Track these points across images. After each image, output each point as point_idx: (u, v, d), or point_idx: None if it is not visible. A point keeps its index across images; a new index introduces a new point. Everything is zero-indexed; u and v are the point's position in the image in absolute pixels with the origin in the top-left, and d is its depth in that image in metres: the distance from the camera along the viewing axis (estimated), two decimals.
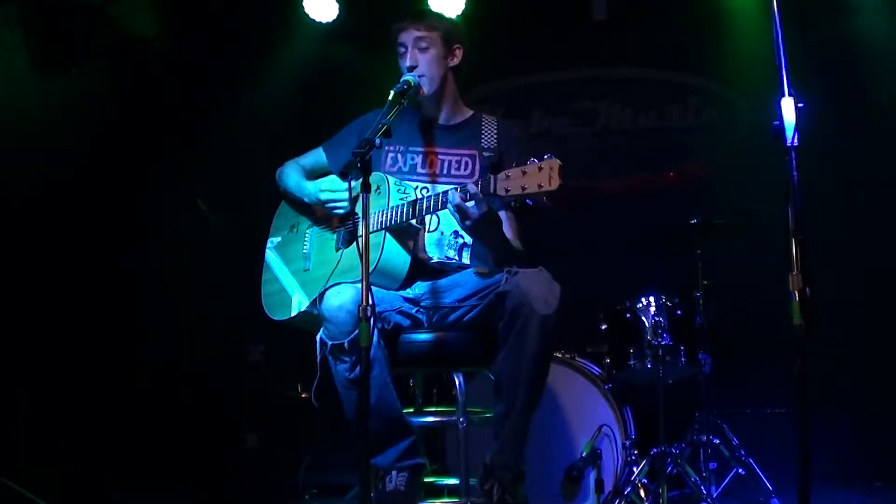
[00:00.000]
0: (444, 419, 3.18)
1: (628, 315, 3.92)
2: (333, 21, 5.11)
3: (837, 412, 4.13)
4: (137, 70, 5.02)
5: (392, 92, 2.74)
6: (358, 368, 2.65)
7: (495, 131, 3.08)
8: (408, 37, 2.98)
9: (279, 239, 3.27)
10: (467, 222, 2.60)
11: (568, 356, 3.92)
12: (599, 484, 3.60)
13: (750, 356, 4.47)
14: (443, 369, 3.20)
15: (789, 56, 2.22)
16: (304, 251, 3.11)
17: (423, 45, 2.98)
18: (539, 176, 2.40)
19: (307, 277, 3.05)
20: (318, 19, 5.09)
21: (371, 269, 2.66)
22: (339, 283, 2.75)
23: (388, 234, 2.80)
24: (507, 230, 2.91)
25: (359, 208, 2.43)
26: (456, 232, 2.96)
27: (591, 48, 5.42)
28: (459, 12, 4.84)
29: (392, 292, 2.88)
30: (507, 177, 2.47)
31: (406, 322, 2.90)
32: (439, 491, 3.28)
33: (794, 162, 2.15)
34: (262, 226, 3.37)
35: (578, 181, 5.18)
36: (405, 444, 2.78)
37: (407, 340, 2.89)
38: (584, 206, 5.13)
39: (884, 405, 4.35)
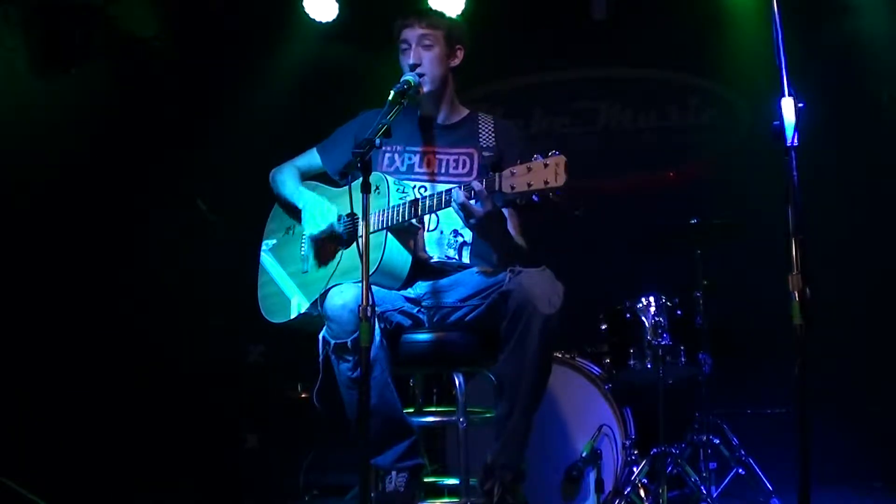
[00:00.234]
0: (444, 419, 3.18)
1: (628, 315, 3.92)
2: (333, 21, 5.11)
3: (837, 412, 4.13)
4: (137, 70, 5.02)
5: (392, 92, 2.73)
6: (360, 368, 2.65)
7: (493, 129, 3.08)
8: (412, 34, 2.98)
9: (274, 241, 3.25)
10: (472, 220, 2.60)
11: (568, 356, 3.92)
12: (599, 484, 3.60)
13: (750, 356, 4.47)
14: (443, 369, 3.19)
15: (789, 56, 2.22)
16: (302, 253, 3.10)
17: (428, 42, 2.98)
18: (545, 172, 2.40)
19: (306, 279, 3.04)
20: (318, 19, 5.09)
21: (373, 270, 2.66)
22: (341, 283, 2.75)
23: (389, 234, 2.80)
24: (510, 227, 2.91)
25: (358, 209, 2.43)
26: (455, 231, 2.96)
27: (591, 48, 5.42)
28: (459, 12, 4.83)
29: (393, 292, 2.88)
30: (513, 174, 2.47)
31: (407, 322, 2.90)
32: (439, 491, 3.28)
33: (794, 162, 2.15)
34: (263, 226, 3.37)
35: (578, 181, 5.18)
36: (405, 444, 2.78)
37: (407, 340, 2.89)
38: (584, 207, 5.14)
39: (884, 405, 4.35)
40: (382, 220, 2.78)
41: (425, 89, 2.95)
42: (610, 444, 3.67)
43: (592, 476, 3.63)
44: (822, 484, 3.46)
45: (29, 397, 4.19)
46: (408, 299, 2.92)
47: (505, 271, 2.72)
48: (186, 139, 5.09)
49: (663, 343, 3.78)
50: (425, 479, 2.90)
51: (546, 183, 2.39)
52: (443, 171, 3.02)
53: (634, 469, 3.69)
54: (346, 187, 2.47)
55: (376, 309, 2.70)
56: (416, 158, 3.05)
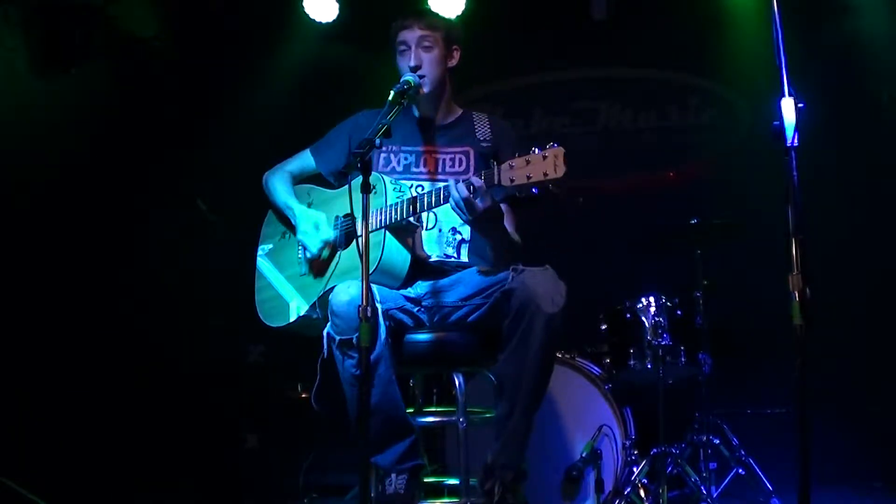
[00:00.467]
0: (444, 419, 3.18)
1: (628, 315, 3.92)
2: (333, 21, 5.11)
3: (837, 412, 4.13)
4: (137, 70, 5.02)
5: (392, 92, 2.73)
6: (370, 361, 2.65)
7: (488, 127, 3.09)
8: (411, 35, 2.98)
9: (270, 246, 3.25)
10: (471, 216, 2.59)
11: (568, 356, 3.92)
12: (599, 484, 3.60)
13: (750, 356, 4.47)
14: (443, 370, 3.19)
15: (789, 56, 2.22)
16: (299, 256, 3.09)
17: (427, 43, 2.98)
18: (544, 164, 2.40)
19: (304, 282, 3.03)
20: (318, 19, 5.09)
21: (372, 269, 2.66)
22: (346, 281, 2.74)
23: (387, 233, 2.80)
24: (506, 223, 2.91)
25: (357, 209, 2.43)
26: (454, 229, 2.96)
27: (591, 48, 5.42)
28: (459, 12, 4.84)
29: (394, 291, 2.88)
30: (511, 167, 2.47)
31: (409, 321, 2.90)
32: (439, 491, 3.28)
33: (794, 162, 2.16)
34: (262, 225, 3.37)
35: (578, 181, 5.18)
36: (406, 444, 2.78)
37: (407, 341, 2.88)
38: (584, 206, 5.14)
39: (884, 405, 4.35)
40: (380, 220, 2.78)
41: (425, 90, 2.95)
42: (610, 444, 3.67)
43: (592, 476, 3.63)
44: (822, 484, 3.46)
45: (29, 397, 4.19)
46: (408, 299, 2.92)
47: (506, 270, 2.72)
48: (186, 139, 5.09)
49: (663, 343, 3.78)
50: (425, 480, 2.90)
51: (545, 175, 2.39)
52: (441, 170, 3.02)
53: (634, 469, 3.69)
54: (343, 188, 2.47)
55: (381, 307, 2.71)
56: (413, 158, 3.05)
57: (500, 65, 5.48)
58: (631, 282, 4.02)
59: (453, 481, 3.24)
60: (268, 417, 4.84)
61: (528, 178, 2.42)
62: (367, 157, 2.43)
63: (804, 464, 2.05)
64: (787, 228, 2.11)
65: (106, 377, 4.59)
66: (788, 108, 2.18)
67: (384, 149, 3.03)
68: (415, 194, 2.82)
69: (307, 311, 2.93)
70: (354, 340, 2.63)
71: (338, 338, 2.67)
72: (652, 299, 3.88)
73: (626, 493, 3.63)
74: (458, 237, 2.96)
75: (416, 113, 3.12)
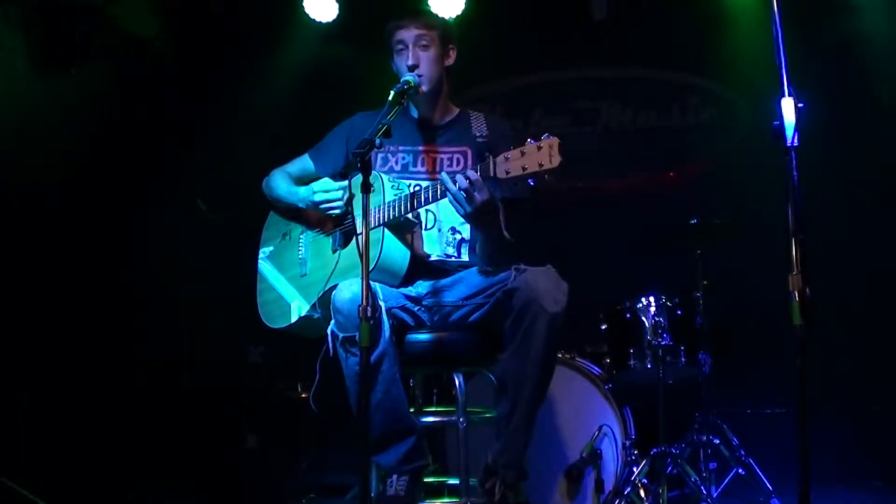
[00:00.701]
0: (444, 419, 3.18)
1: (628, 315, 3.92)
2: (333, 21, 5.11)
3: (837, 412, 4.13)
4: (137, 70, 5.02)
5: (392, 92, 2.73)
6: (369, 362, 2.65)
7: (484, 124, 3.09)
8: (408, 35, 2.97)
9: (271, 248, 3.26)
10: (469, 210, 2.59)
11: (568, 356, 3.92)
12: (599, 484, 3.60)
13: (750, 356, 4.47)
14: (443, 370, 3.19)
15: (789, 56, 2.22)
16: (300, 257, 3.10)
17: (424, 42, 2.97)
18: (539, 155, 2.40)
19: (305, 282, 3.04)
20: (318, 19, 5.09)
21: (371, 267, 2.66)
22: (348, 279, 2.74)
23: (387, 231, 2.80)
24: (501, 220, 2.91)
25: (356, 209, 2.43)
26: (454, 228, 2.96)
27: (591, 48, 5.42)
28: (459, 12, 4.84)
29: (395, 290, 2.88)
30: (507, 159, 2.47)
31: (410, 320, 2.90)
32: (439, 491, 3.28)
33: (794, 162, 2.15)
34: (262, 226, 3.37)
35: (578, 181, 5.19)
36: (408, 443, 2.77)
37: (407, 341, 2.89)
38: (584, 206, 5.14)
39: (884, 405, 4.35)
40: (379, 217, 2.78)
41: (423, 89, 2.95)
42: (610, 444, 3.67)
43: (592, 476, 3.63)
44: (822, 484, 3.46)
45: (29, 397, 4.19)
46: (409, 298, 2.92)
47: (508, 270, 2.72)
48: (186, 139, 5.09)
49: (663, 343, 3.78)
50: (425, 480, 2.90)
51: (541, 165, 2.39)
52: (439, 169, 3.02)
53: (634, 469, 3.69)
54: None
55: (385, 305, 2.71)
56: (411, 158, 3.06)
57: (500, 65, 5.48)
58: (631, 282, 4.02)
59: (453, 481, 3.24)
60: (268, 417, 4.85)
61: (524, 169, 2.42)
62: (368, 157, 2.43)
63: (804, 464, 2.04)
64: (787, 228, 2.11)
65: (106, 377, 4.59)
66: (788, 108, 2.18)
67: (382, 149, 3.03)
68: (412, 192, 2.82)
69: (308, 311, 2.93)
70: (357, 337, 2.63)
71: (341, 335, 2.67)
72: (652, 299, 3.88)
73: (626, 493, 3.63)
74: (458, 236, 2.96)
75: (415, 113, 3.12)
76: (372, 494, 2.81)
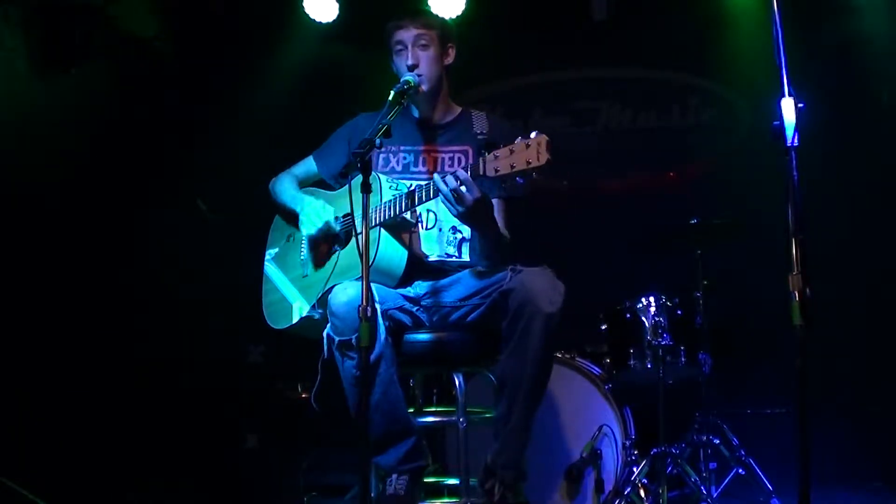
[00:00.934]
0: (444, 419, 3.18)
1: (628, 315, 3.92)
2: (333, 21, 5.10)
3: (837, 412, 4.13)
4: (137, 70, 5.02)
5: (392, 92, 2.74)
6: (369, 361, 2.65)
7: (486, 123, 3.08)
8: (407, 35, 2.97)
9: (276, 250, 3.28)
10: (461, 209, 2.58)
11: (568, 356, 3.92)
12: (599, 484, 3.60)
13: (750, 356, 4.47)
14: (443, 370, 3.20)
15: (789, 56, 2.22)
16: (302, 258, 3.11)
17: (423, 42, 2.97)
18: (527, 153, 2.39)
19: (306, 283, 3.05)
20: (318, 19, 5.09)
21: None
22: (343, 282, 2.75)
23: (383, 231, 2.80)
24: (498, 219, 2.90)
25: (357, 209, 2.43)
26: (454, 228, 2.95)
27: (591, 48, 5.42)
28: (459, 12, 4.84)
29: (393, 291, 2.88)
30: (496, 157, 2.47)
31: (408, 320, 2.90)
32: (439, 491, 3.28)
33: (794, 162, 2.16)
34: (263, 226, 3.37)
35: (578, 181, 5.19)
36: (408, 444, 2.77)
37: (407, 341, 2.89)
38: (584, 206, 5.14)
39: (884, 405, 4.35)
40: (375, 217, 2.78)
41: (423, 88, 2.95)
42: (610, 444, 3.67)
43: (592, 476, 3.63)
44: (822, 484, 3.46)
45: (29, 397, 4.19)
46: (407, 298, 2.92)
47: (505, 270, 2.72)
48: (186, 139, 5.09)
49: (663, 343, 3.77)
50: (425, 480, 2.90)
51: (529, 163, 2.39)
52: (440, 168, 3.02)
53: (634, 469, 3.69)
54: (344, 188, 2.47)
55: (381, 306, 2.71)
56: (412, 157, 3.06)
57: (500, 65, 5.48)
58: (631, 282, 4.02)
59: (453, 481, 3.24)
60: (268, 417, 4.85)
61: (513, 167, 2.42)
62: (368, 157, 2.43)
63: (804, 464, 2.05)
64: (787, 228, 2.11)
65: (106, 377, 4.59)
66: (788, 108, 2.18)
67: (384, 149, 3.04)
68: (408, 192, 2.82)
69: (309, 312, 2.94)
70: (353, 341, 2.63)
71: (337, 339, 2.67)
72: (652, 299, 3.87)
73: (626, 493, 3.63)
74: (459, 236, 2.96)
75: (415, 113, 3.12)
76: (372, 495, 2.81)
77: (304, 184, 3.25)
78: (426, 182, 2.85)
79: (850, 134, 4.76)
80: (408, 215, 2.81)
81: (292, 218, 3.19)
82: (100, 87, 4.85)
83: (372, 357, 2.61)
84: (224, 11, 5.22)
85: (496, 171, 2.46)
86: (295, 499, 4.24)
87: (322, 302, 2.85)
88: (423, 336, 2.89)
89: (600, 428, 3.68)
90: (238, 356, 5.03)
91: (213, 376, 4.87)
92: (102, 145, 4.75)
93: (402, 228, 2.84)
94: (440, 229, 2.96)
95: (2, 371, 4.08)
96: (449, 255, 2.96)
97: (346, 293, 2.66)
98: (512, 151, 2.42)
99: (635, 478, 3.67)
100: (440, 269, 2.95)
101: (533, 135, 2.39)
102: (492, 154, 2.48)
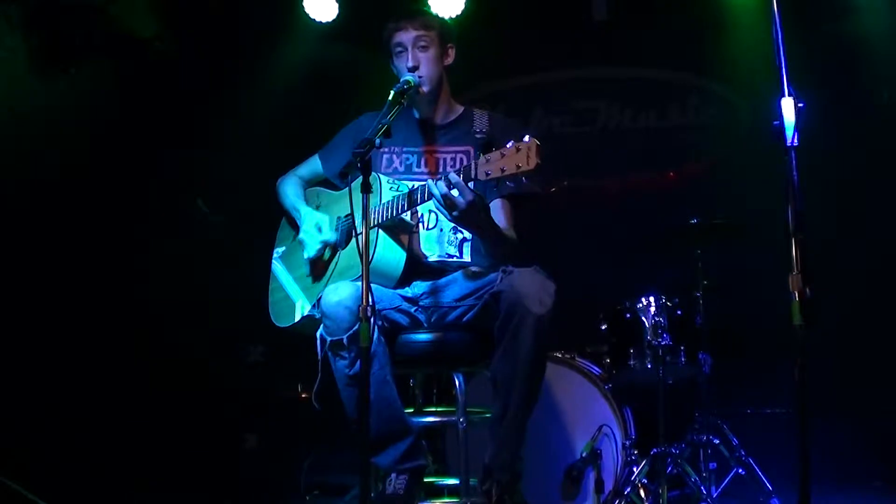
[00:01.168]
0: (444, 419, 3.18)
1: (628, 315, 3.92)
2: (333, 21, 5.10)
3: (837, 412, 4.12)
4: (137, 70, 5.02)
5: (392, 92, 2.73)
6: (357, 364, 2.65)
7: (487, 122, 3.08)
8: (406, 36, 2.97)
9: (284, 248, 3.31)
10: (454, 212, 2.58)
11: (568, 356, 3.92)
12: (599, 484, 3.60)
13: (750, 356, 4.47)
14: (443, 369, 3.19)
15: (789, 56, 2.22)
16: (305, 257, 3.12)
17: (423, 43, 2.97)
18: (517, 157, 2.39)
19: (308, 282, 3.06)
20: (318, 19, 5.09)
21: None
22: (335, 283, 2.75)
23: (381, 232, 2.80)
24: (501, 218, 2.91)
25: (357, 210, 2.43)
26: (455, 228, 2.95)
27: (591, 48, 5.42)
28: (459, 12, 4.84)
29: (390, 291, 2.88)
30: (487, 160, 2.47)
31: (405, 321, 2.90)
32: (439, 491, 3.28)
33: (794, 162, 2.16)
34: (262, 226, 3.38)
35: (578, 181, 5.19)
36: (406, 444, 2.78)
37: (407, 340, 2.89)
38: (583, 206, 5.14)
39: (883, 405, 4.35)
40: (373, 219, 2.78)
41: (424, 89, 2.94)
42: (610, 444, 3.67)
43: (592, 476, 3.63)
44: (822, 484, 3.46)
45: (28, 397, 4.19)
46: (405, 298, 2.92)
47: (497, 271, 2.72)
48: (186, 139, 5.09)
49: (663, 343, 3.77)
50: (425, 480, 2.90)
51: (518, 167, 2.39)
52: (441, 169, 3.01)
53: (634, 469, 3.69)
54: (346, 189, 2.47)
55: (376, 306, 2.71)
56: (415, 159, 3.06)
57: (501, 64, 5.48)
58: (631, 282, 4.02)
59: (453, 481, 3.24)
60: (268, 417, 4.84)
61: (503, 170, 2.42)
62: (367, 157, 2.43)
63: (804, 464, 2.05)
64: (787, 228, 2.11)
65: (105, 377, 4.59)
66: (788, 108, 2.18)
67: (386, 150, 3.04)
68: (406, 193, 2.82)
69: (310, 311, 2.94)
70: (345, 341, 2.64)
71: (329, 339, 2.68)
72: (652, 299, 3.87)
73: (626, 493, 3.63)
74: (460, 236, 2.95)
75: (417, 114, 3.12)
76: (372, 495, 2.81)
77: (311, 183, 3.26)
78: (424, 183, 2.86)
79: (850, 134, 4.76)
80: (407, 216, 2.81)
81: (296, 223, 3.19)
82: (100, 87, 4.85)
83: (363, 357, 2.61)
84: (224, 11, 5.22)
85: (487, 174, 2.46)
86: (295, 499, 4.24)
87: None
88: (423, 336, 2.89)
89: (600, 428, 3.67)
90: (238, 356, 5.03)
91: (213, 376, 4.87)
92: (102, 145, 4.75)
93: (401, 230, 2.84)
94: (441, 229, 2.96)
95: (2, 371, 4.08)
96: (450, 256, 2.96)
97: (337, 294, 2.66)
98: (503, 155, 2.43)
99: (635, 478, 3.67)
100: (441, 270, 2.95)
101: (525, 139, 2.40)
102: (483, 157, 2.48)
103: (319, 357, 2.75)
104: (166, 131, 5.04)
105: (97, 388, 4.53)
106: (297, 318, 3.00)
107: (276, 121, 5.24)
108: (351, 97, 4.60)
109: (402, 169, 3.05)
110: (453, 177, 2.53)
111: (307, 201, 3.20)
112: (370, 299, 2.33)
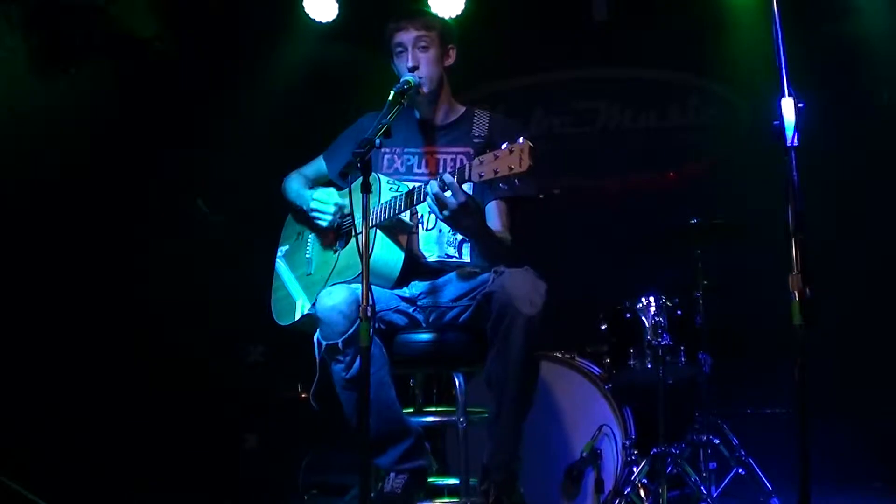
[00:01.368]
0: (444, 419, 3.18)
1: (628, 315, 3.92)
2: (333, 21, 5.11)
3: (837, 412, 4.12)
4: (137, 70, 5.02)
5: (392, 92, 2.73)
6: (354, 368, 2.66)
7: (487, 122, 3.08)
8: (407, 37, 2.97)
9: (287, 247, 3.31)
10: (445, 213, 2.57)
11: (568, 356, 3.92)
12: (599, 484, 3.60)
13: (750, 356, 4.47)
14: (442, 369, 3.20)
15: (789, 56, 2.22)
16: (307, 256, 3.13)
17: (423, 44, 2.97)
18: (510, 158, 2.39)
19: (309, 281, 3.07)
20: (318, 19, 5.09)
21: (362, 268, 2.66)
22: (334, 284, 2.75)
23: (379, 232, 2.80)
24: (496, 220, 2.91)
25: (357, 210, 2.43)
26: None
27: (591, 48, 5.42)
28: (459, 12, 4.84)
29: (388, 291, 2.88)
30: (481, 162, 2.47)
31: (403, 321, 2.90)
32: (439, 491, 3.28)
33: (794, 162, 2.16)
34: (262, 226, 3.38)
35: (578, 181, 5.19)
36: (406, 444, 2.78)
37: (406, 340, 2.89)
38: (584, 206, 5.14)
39: (884, 405, 4.35)
40: (372, 219, 2.78)
41: (424, 90, 2.94)
42: (610, 444, 3.67)
43: (592, 476, 3.63)
44: (822, 484, 3.46)
45: (28, 397, 4.19)
46: (403, 298, 2.92)
47: (489, 272, 2.72)
48: (186, 139, 5.09)
49: (663, 343, 3.77)
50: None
51: (511, 168, 2.38)
52: (441, 170, 3.01)
53: (634, 469, 3.69)
54: (347, 189, 2.48)
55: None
56: (415, 159, 3.06)
57: (501, 65, 5.49)
58: (631, 282, 4.02)
59: (453, 481, 3.24)
60: (268, 417, 4.84)
61: (496, 172, 2.42)
62: (367, 157, 2.43)
63: (804, 464, 2.05)
64: (787, 229, 2.11)
65: (105, 377, 4.59)
66: (788, 108, 2.18)
67: (388, 150, 3.04)
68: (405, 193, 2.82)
69: (310, 310, 2.94)
70: (340, 345, 2.65)
71: (324, 343, 2.68)
72: (652, 299, 3.87)
73: (626, 493, 3.63)
74: (459, 237, 2.95)
75: (417, 114, 3.12)
76: (372, 494, 2.81)
77: (316, 183, 3.27)
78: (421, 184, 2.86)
79: (850, 134, 4.76)
80: (406, 217, 2.81)
81: (301, 216, 3.20)
82: (100, 87, 4.85)
83: (358, 358, 2.61)
84: (224, 11, 5.22)
85: (480, 176, 2.46)
86: (295, 499, 4.24)
87: None
88: (422, 336, 2.89)
89: (600, 428, 3.68)
90: (238, 356, 5.03)
91: (213, 376, 4.87)
92: (102, 145, 4.75)
93: (399, 230, 2.84)
94: (440, 230, 2.95)
95: (2, 372, 4.08)
96: (449, 257, 2.95)
97: (331, 297, 2.67)
98: (496, 157, 2.43)
99: (635, 478, 3.67)
100: (439, 271, 2.95)
101: (520, 140, 2.40)
102: (477, 159, 2.48)
103: (318, 360, 2.75)
104: (166, 131, 5.04)
105: (97, 388, 4.53)
106: (298, 316, 3.01)
107: (276, 121, 5.24)
108: (351, 97, 4.60)
109: (403, 170, 3.05)
110: (448, 178, 2.54)
111: None
112: (370, 299, 2.33)
